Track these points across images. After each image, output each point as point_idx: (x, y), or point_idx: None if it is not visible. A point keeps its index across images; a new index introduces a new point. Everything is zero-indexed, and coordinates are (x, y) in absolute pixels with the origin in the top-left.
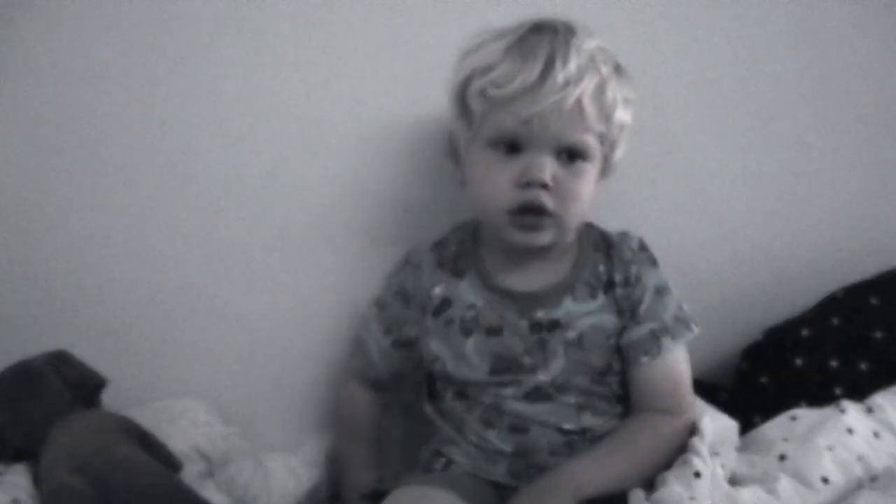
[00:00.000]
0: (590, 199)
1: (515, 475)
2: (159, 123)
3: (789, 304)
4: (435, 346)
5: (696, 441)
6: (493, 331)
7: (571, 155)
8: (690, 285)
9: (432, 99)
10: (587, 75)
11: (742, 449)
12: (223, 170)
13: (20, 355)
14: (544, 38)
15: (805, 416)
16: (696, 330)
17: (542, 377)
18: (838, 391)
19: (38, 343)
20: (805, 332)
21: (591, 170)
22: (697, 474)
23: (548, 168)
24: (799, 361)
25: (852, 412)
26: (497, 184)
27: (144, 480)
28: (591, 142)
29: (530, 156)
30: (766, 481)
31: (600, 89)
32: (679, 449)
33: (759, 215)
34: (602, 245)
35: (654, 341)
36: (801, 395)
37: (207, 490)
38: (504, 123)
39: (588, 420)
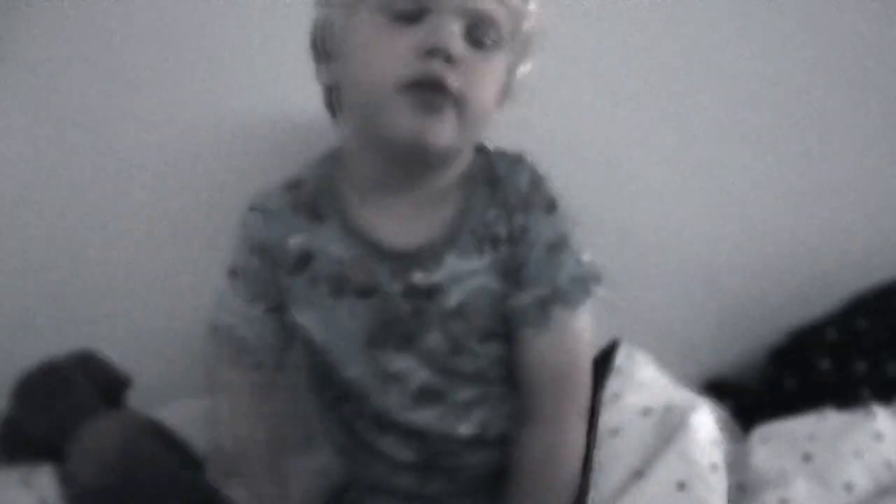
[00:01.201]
0: (495, 100)
1: (424, 483)
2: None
3: (815, 305)
4: (298, 313)
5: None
6: (365, 292)
7: (479, 33)
8: (716, 287)
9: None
10: None
11: (765, 439)
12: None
13: (44, 354)
14: None
15: (834, 417)
16: (597, 292)
17: (420, 347)
18: (865, 394)
19: (64, 342)
20: (831, 335)
21: (500, 59)
22: None
23: (455, 36)
24: (825, 364)
25: (882, 417)
26: (387, 54)
27: (168, 480)
28: (503, 18)
29: (432, 21)
30: (779, 485)
31: None
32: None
33: (786, 216)
34: (492, 180)
35: (540, 310)
36: (827, 397)
37: (231, 489)
38: None
39: (483, 417)
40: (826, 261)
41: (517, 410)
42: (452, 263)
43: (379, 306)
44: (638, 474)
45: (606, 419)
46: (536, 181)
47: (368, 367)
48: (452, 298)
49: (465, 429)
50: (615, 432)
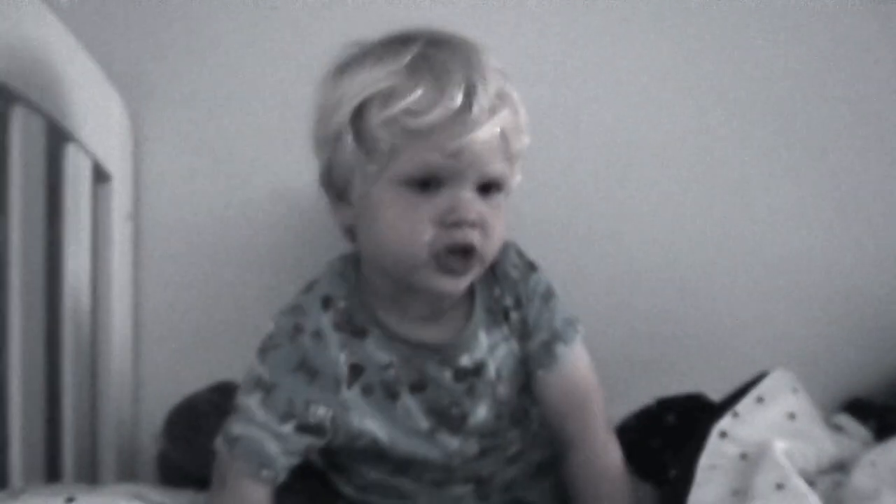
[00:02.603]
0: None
1: (484, 500)
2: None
3: None
4: (358, 422)
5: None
6: (418, 387)
7: (488, 187)
8: (856, 306)
9: None
10: (505, 100)
11: (873, 461)
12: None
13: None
14: (452, 57)
15: None
16: (580, 327)
17: (472, 423)
18: None
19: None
20: None
21: (503, 200)
22: None
23: (475, 204)
24: None
25: None
26: (416, 225)
27: None
28: (507, 171)
29: (453, 191)
30: (871, 498)
31: (515, 113)
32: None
33: None
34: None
35: (546, 352)
36: None
37: None
38: (426, 158)
39: (506, 440)
40: None
41: (554, 444)
42: (484, 340)
43: (433, 396)
44: (736, 492)
45: (706, 457)
46: (519, 252)
47: (432, 449)
48: (492, 369)
49: (512, 457)
50: (714, 467)
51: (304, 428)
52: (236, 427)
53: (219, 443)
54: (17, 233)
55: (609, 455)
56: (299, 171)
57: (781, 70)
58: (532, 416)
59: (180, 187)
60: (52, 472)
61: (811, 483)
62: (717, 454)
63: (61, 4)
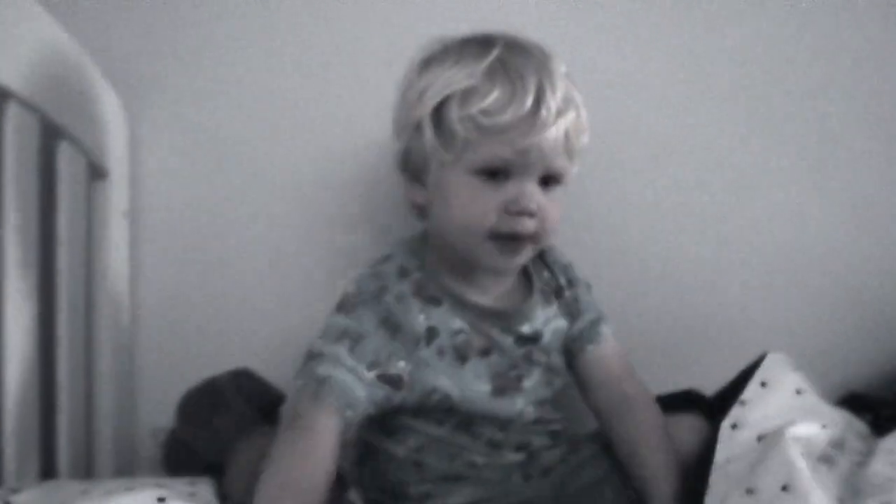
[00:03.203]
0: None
1: (527, 479)
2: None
3: None
4: (433, 378)
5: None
6: (485, 352)
7: (548, 179)
8: (854, 300)
9: None
10: (570, 104)
11: (890, 450)
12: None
13: (205, 372)
14: (527, 63)
15: None
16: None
17: (527, 385)
18: None
19: (223, 359)
20: None
21: (562, 192)
22: None
23: (536, 196)
24: None
25: None
26: (483, 209)
27: None
28: (567, 166)
29: (518, 183)
30: (886, 490)
31: (578, 115)
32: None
33: None
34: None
35: (594, 330)
36: None
37: None
38: (498, 152)
39: (551, 413)
40: None
41: (606, 408)
42: (541, 313)
43: (496, 360)
44: (749, 491)
45: (720, 452)
46: (558, 246)
47: (495, 406)
48: (545, 339)
49: (554, 433)
50: (729, 461)
51: (385, 378)
52: (323, 368)
53: (299, 383)
54: (11, 231)
55: (659, 411)
56: (297, 167)
57: (783, 63)
58: (570, 402)
59: (178, 184)
60: (47, 469)
61: (830, 461)
62: (731, 447)
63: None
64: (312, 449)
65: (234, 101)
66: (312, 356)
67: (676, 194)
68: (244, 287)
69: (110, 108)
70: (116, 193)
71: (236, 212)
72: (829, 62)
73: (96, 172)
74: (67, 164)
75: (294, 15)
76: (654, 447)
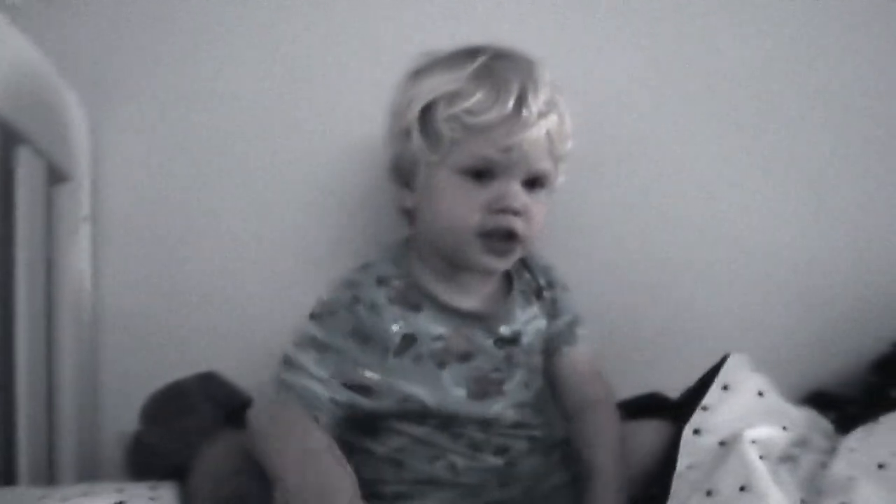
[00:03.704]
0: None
1: (502, 486)
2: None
3: None
4: (405, 386)
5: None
6: (465, 356)
7: (533, 182)
8: (817, 299)
9: None
10: (553, 107)
11: (851, 448)
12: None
13: (171, 374)
14: (511, 68)
15: None
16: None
17: (507, 388)
18: None
19: (189, 362)
20: None
21: (546, 196)
22: None
23: (521, 195)
24: None
25: None
26: (469, 208)
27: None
28: (552, 169)
29: (503, 183)
30: (847, 489)
31: (562, 120)
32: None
33: (887, 225)
34: None
35: (570, 331)
36: None
37: None
38: (482, 151)
39: (532, 418)
40: None
41: (570, 408)
42: (521, 314)
43: (477, 364)
44: (709, 493)
45: (682, 459)
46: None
47: (475, 409)
48: (526, 340)
49: (532, 439)
50: (691, 467)
51: (351, 386)
52: (289, 376)
53: (272, 389)
54: None
55: (617, 417)
56: (259, 170)
57: (750, 65)
58: (546, 405)
59: (140, 188)
60: (7, 475)
61: (794, 460)
62: (693, 452)
63: (14, 4)
64: (304, 425)
65: (196, 105)
66: (284, 362)
67: (641, 197)
68: (207, 290)
69: (72, 112)
70: (78, 197)
71: (198, 215)
72: (795, 63)
73: (57, 176)
74: (27, 168)
75: (256, 16)
76: (604, 450)
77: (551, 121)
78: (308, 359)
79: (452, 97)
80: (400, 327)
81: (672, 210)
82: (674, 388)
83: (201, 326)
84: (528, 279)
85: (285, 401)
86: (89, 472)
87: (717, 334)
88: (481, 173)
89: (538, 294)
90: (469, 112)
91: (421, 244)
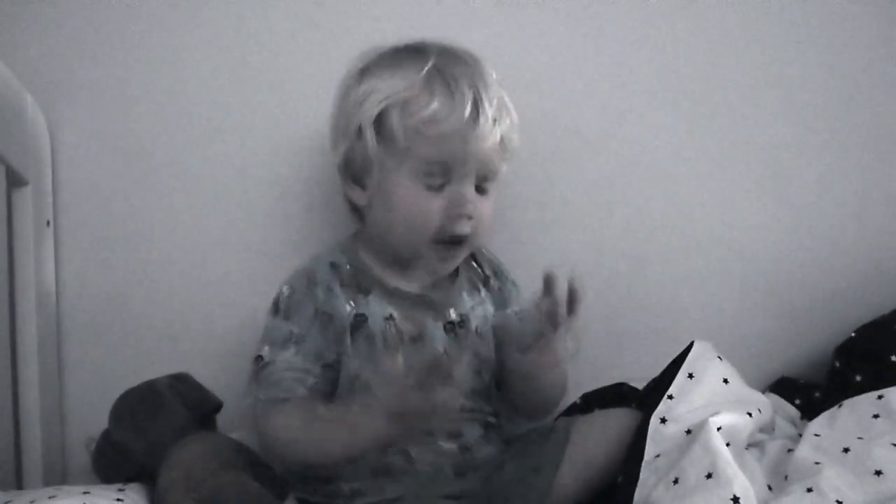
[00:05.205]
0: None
1: (458, 475)
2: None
3: (881, 301)
4: (355, 366)
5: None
6: (416, 339)
7: (485, 184)
8: (781, 286)
9: None
10: (503, 109)
11: (823, 425)
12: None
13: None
14: (462, 71)
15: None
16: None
17: (456, 372)
18: None
19: (160, 363)
20: None
21: (494, 191)
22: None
23: (474, 199)
24: (894, 357)
25: None
26: (425, 214)
27: None
28: (502, 166)
29: (457, 187)
30: (813, 474)
31: (512, 119)
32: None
33: (848, 213)
34: None
35: (520, 318)
36: None
37: None
38: (439, 157)
39: (483, 405)
40: (890, 257)
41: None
42: (467, 300)
43: (423, 350)
44: (675, 481)
45: (650, 447)
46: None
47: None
48: (473, 325)
49: (487, 426)
50: (659, 455)
51: (328, 367)
52: (275, 376)
53: (257, 394)
54: None
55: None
56: (219, 171)
57: (707, 55)
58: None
59: (99, 192)
60: None
61: (760, 446)
62: (660, 441)
63: None
64: (306, 411)
65: (157, 108)
66: (264, 365)
67: (603, 187)
68: (170, 292)
69: (29, 116)
70: (38, 201)
71: (160, 217)
72: (759, 57)
73: (15, 180)
74: None
75: (215, 18)
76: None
77: (504, 125)
78: (289, 354)
79: (407, 105)
80: (352, 307)
81: (638, 203)
82: (639, 377)
83: (164, 328)
84: (475, 268)
85: (281, 405)
86: (57, 476)
87: (684, 324)
88: (436, 178)
89: (485, 282)
90: (425, 122)
91: (370, 237)
